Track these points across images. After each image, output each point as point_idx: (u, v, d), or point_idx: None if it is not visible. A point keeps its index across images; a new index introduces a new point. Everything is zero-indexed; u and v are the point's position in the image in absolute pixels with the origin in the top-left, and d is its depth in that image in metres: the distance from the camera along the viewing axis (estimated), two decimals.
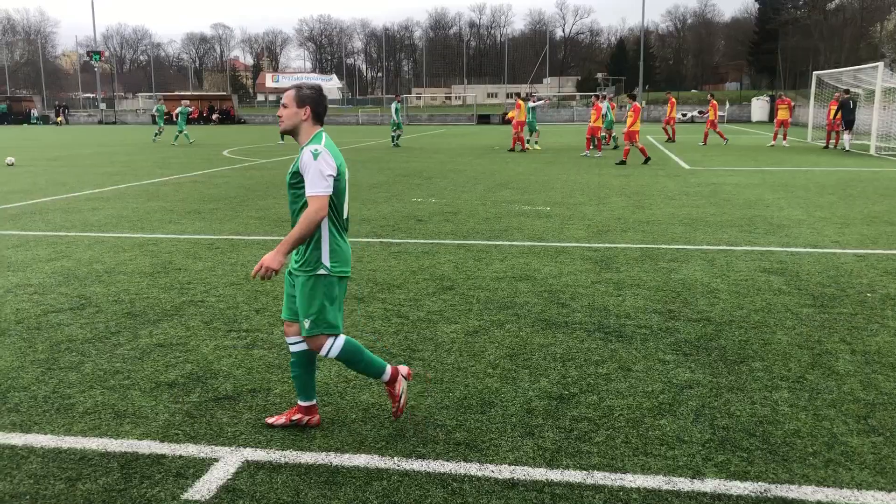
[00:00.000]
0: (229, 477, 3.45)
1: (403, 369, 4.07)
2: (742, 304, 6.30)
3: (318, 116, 3.83)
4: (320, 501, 3.24)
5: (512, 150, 26.25)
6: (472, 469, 3.52)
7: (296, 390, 4.02)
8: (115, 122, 71.81)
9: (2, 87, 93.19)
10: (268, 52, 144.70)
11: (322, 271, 3.74)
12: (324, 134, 3.81)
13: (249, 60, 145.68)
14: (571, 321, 5.84)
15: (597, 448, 3.72)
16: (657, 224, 10.39)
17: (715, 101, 30.01)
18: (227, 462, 3.59)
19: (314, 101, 3.80)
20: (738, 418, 4.06)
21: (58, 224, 10.60)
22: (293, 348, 3.97)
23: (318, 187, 3.63)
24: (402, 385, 4.01)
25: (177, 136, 32.15)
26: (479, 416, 4.09)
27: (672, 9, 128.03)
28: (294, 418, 3.98)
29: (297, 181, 3.72)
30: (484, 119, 66.24)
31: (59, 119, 68.72)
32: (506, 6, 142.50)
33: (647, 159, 20.47)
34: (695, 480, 3.41)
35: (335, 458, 3.62)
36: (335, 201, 3.74)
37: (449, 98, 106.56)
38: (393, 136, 30.17)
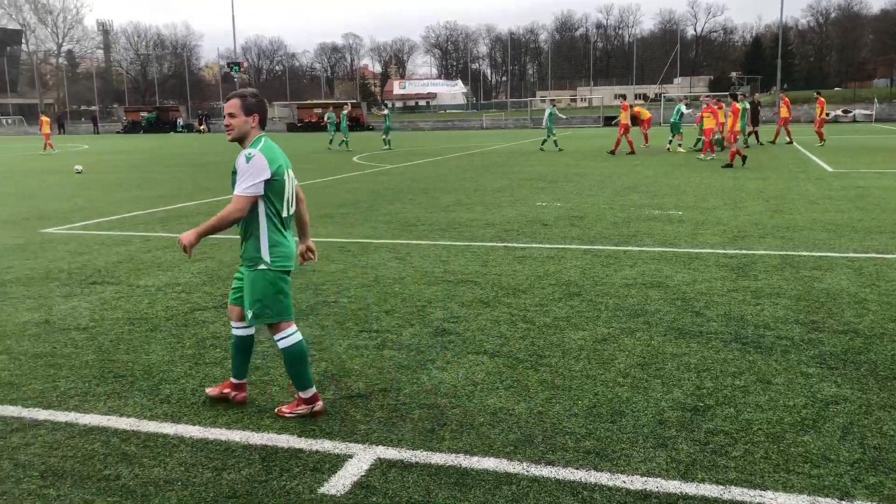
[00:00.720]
0: (363, 473, 3.55)
1: (319, 405, 4.21)
2: (895, 316, 5.88)
3: (263, 122, 4.07)
4: (451, 502, 3.29)
5: (632, 153, 25.77)
6: (603, 478, 3.47)
7: (232, 368, 4.40)
8: None
9: (151, 98, 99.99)
10: (395, 59, 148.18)
11: (262, 266, 4.00)
12: (264, 138, 4.02)
13: (378, 68, 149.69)
14: (706, 330, 5.65)
15: (734, 462, 3.58)
16: (798, 230, 9.88)
17: (823, 100, 28.58)
18: (360, 459, 3.70)
19: (260, 108, 4.03)
20: (893, 438, 3.80)
21: None
22: (234, 332, 4.32)
23: (242, 189, 3.88)
24: (304, 409, 4.19)
25: (342, 142, 33.31)
26: (610, 426, 4.02)
27: (814, 3, 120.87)
28: (225, 391, 4.40)
29: (235, 181, 3.97)
30: (611, 121, 65.04)
31: (201, 127, 72.94)
32: (634, 6, 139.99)
33: (730, 166, 19.64)
34: (843, 502, 3.22)
35: (464, 461, 3.66)
36: (274, 200, 3.98)
37: (574, 100, 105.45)
38: (546, 141, 29.18)
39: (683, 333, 5.59)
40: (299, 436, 3.97)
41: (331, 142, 34.71)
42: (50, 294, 7.13)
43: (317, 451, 3.79)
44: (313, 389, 4.21)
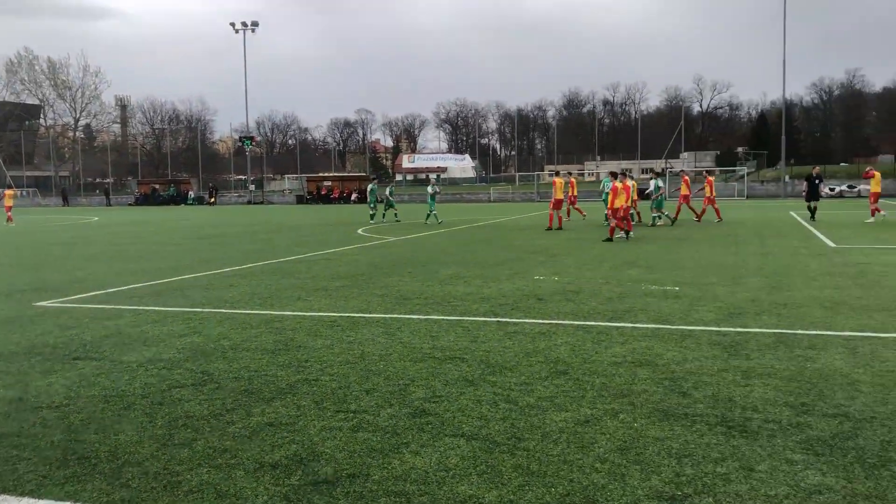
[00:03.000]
0: None
1: None
2: (887, 398, 5.71)
3: None
4: None
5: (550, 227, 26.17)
6: None
7: None
8: (261, 203, 76.37)
9: (164, 171, 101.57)
10: (406, 134, 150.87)
11: None
12: None
13: (389, 142, 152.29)
14: (692, 412, 5.48)
15: None
16: (795, 307, 9.74)
17: (711, 179, 30.10)
18: None
19: None
20: None
21: (196, 300, 11.21)
22: None
23: None
24: None
25: (384, 213, 33.42)
26: None
27: (817, 81, 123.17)
28: None
29: None
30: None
31: (211, 200, 73.94)
32: (640, 83, 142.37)
33: (624, 234, 21.05)
34: None
35: None
36: None
37: (582, 174, 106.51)
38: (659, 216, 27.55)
39: (668, 415, 5.43)
40: None
41: (372, 216, 33.66)
42: (30, 370, 7.04)
43: None
44: None
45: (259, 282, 13.30)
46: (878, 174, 28.99)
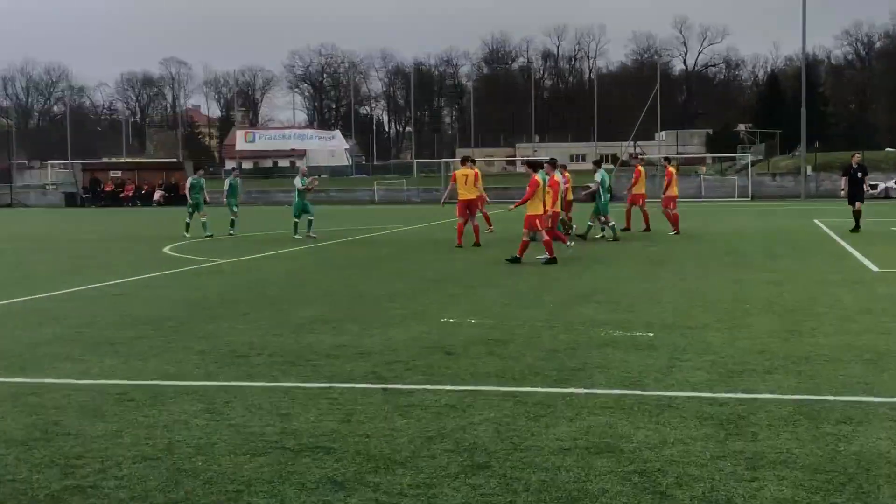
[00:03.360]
0: None
1: None
2: None
3: None
4: None
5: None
6: None
7: None
8: (9, 205, 74.28)
9: None
10: (243, 98, 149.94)
11: None
12: None
13: (216, 111, 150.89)
14: None
15: None
16: (822, 361, 10.16)
17: (671, 169, 31.88)
18: None
19: None
20: None
21: None
22: None
23: None
24: None
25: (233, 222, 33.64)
26: None
27: (851, 28, 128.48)
28: None
29: None
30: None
31: None
32: (597, 28, 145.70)
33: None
34: None
35: None
36: None
37: (512, 163, 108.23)
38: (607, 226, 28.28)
39: None
40: None
41: (189, 226, 33.34)
42: None
43: None
44: None
45: (4, 331, 12.93)
46: None
